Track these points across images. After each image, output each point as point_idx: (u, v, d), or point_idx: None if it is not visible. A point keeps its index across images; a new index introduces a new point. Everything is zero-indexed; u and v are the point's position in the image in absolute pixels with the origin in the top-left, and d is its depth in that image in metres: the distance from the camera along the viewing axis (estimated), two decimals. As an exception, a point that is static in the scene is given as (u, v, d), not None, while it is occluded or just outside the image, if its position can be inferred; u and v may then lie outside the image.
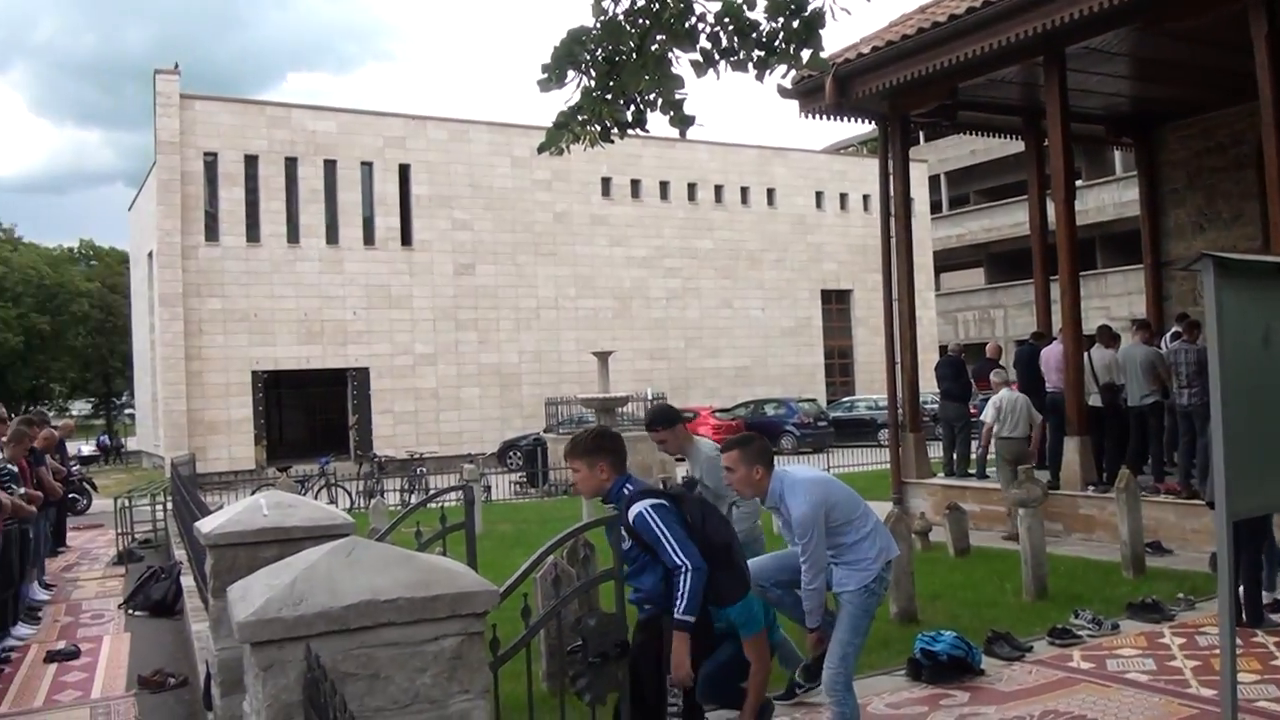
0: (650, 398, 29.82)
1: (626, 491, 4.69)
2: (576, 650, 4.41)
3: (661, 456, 23.01)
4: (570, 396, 30.64)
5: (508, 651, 3.74)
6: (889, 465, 15.97)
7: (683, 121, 5.06)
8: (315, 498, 17.28)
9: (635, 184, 39.74)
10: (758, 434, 5.58)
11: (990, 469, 14.21)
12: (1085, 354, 12.92)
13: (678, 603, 4.40)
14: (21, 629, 10.18)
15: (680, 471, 6.51)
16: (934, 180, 49.12)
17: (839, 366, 44.25)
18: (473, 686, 3.09)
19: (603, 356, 26.57)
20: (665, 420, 6.43)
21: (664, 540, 4.43)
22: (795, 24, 4.68)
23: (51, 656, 9.15)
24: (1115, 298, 39.40)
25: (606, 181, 38.97)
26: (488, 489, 20.74)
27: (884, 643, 7.63)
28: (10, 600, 9.95)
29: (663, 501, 4.58)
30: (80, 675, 8.63)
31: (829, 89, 14.23)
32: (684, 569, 4.40)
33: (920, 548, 11.34)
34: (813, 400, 37.67)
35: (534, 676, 4.49)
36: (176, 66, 33.45)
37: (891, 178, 15.49)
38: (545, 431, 29.54)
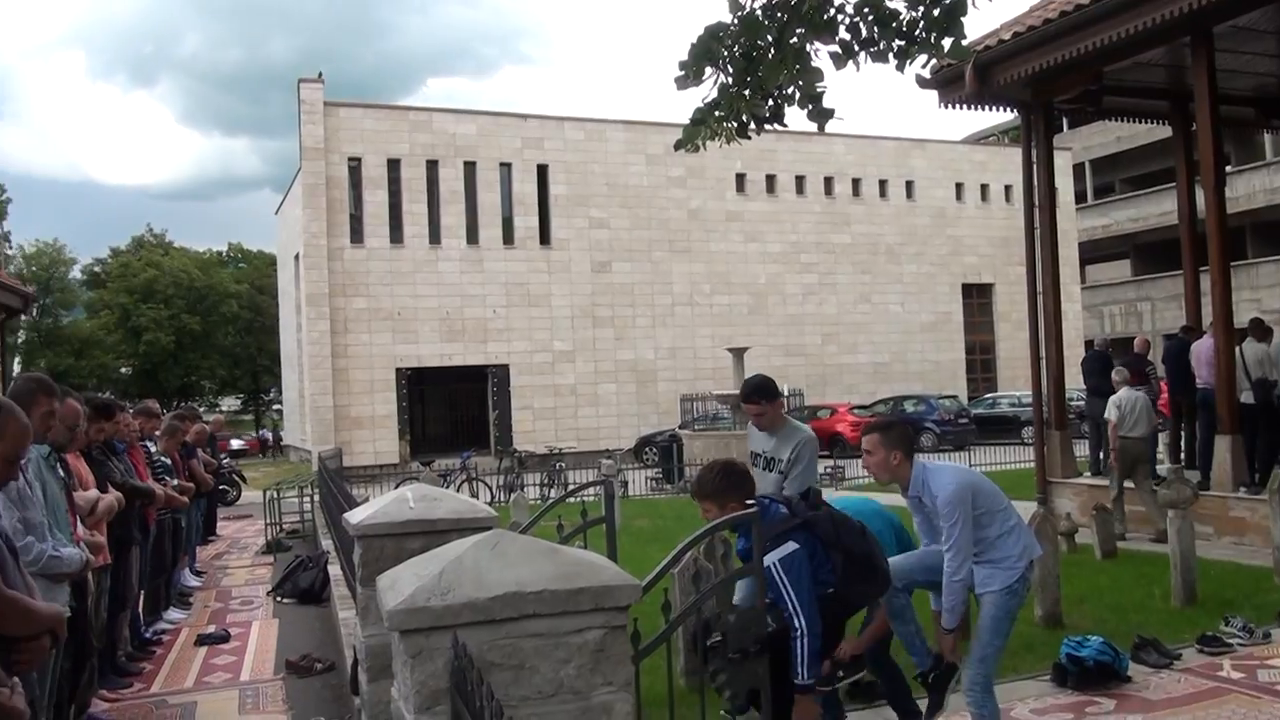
0: (786, 394, 29.64)
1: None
2: (716, 646, 4.40)
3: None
4: (706, 393, 30.65)
5: (649, 645, 3.75)
6: (1033, 464, 15.55)
7: (822, 115, 5.00)
8: (457, 491, 17.61)
9: (770, 179, 39.49)
10: (900, 420, 5.49)
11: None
12: (1237, 348, 12.38)
13: (797, 667, 4.38)
14: (173, 613, 10.64)
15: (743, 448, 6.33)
16: (1078, 169, 47.55)
17: (980, 362, 43.29)
18: (615, 679, 3.11)
19: (738, 353, 26.49)
20: (768, 393, 6.19)
21: (787, 599, 4.40)
22: (936, 12, 4.60)
23: (202, 640, 9.51)
24: (1267, 289, 37.76)
25: (741, 177, 38.85)
26: (624, 484, 20.85)
27: (1029, 646, 7.45)
28: (163, 585, 10.43)
29: (794, 550, 4.52)
30: (229, 658, 8.95)
31: (969, 78, 13.91)
32: (800, 633, 4.38)
33: (1066, 549, 11.02)
34: (953, 397, 36.93)
35: (673, 672, 4.50)
36: (320, 75, 34.58)
37: (1035, 167, 15.07)
38: (681, 428, 29.61)
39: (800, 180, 40.00)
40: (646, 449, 31.62)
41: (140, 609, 9.37)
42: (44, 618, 3.47)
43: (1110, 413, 12.80)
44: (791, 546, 4.49)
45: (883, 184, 41.45)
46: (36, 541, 4.65)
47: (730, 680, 4.41)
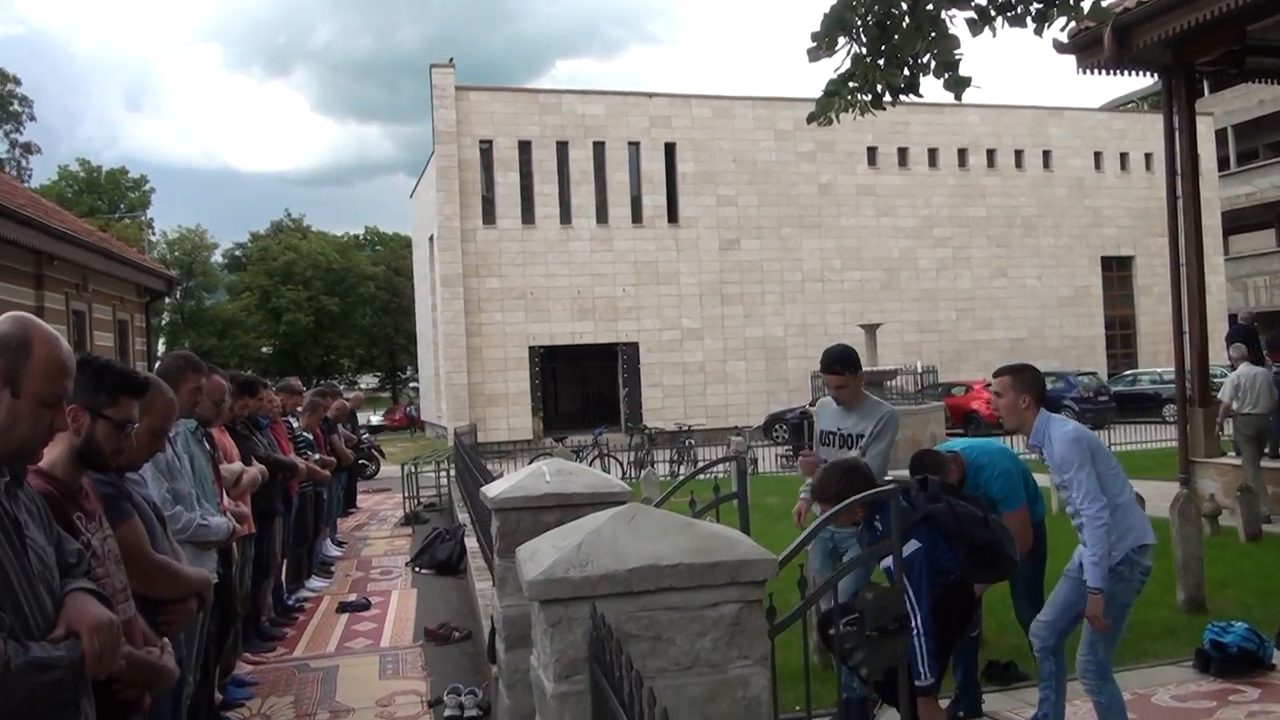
0: (919, 371, 29.18)
1: (877, 525, 4.61)
2: (853, 624, 4.37)
3: (933, 430, 22.51)
4: (837, 370, 30.30)
5: (785, 620, 3.74)
6: (1175, 443, 15.00)
7: (959, 84, 4.90)
8: (589, 466, 17.80)
9: (902, 152, 38.80)
10: (1033, 366, 5.36)
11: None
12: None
13: (918, 666, 4.35)
14: (315, 581, 11.02)
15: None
16: (1220, 134, 45.42)
17: (1120, 338, 41.94)
18: (752, 653, 3.10)
19: (870, 329, 26.16)
20: (851, 364, 5.94)
21: (906, 598, 4.35)
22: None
23: (343, 607, 9.83)
24: None
25: (872, 151, 38.25)
26: (754, 461, 20.80)
27: (1170, 631, 7.26)
28: (305, 555, 10.81)
29: (915, 549, 4.46)
30: (370, 625, 9.22)
31: (1108, 40, 13.39)
32: (918, 633, 4.34)
33: (1209, 531, 10.62)
34: (1092, 373, 35.79)
35: (807, 649, 4.48)
36: (451, 61, 35.11)
37: (1175, 133, 14.47)
38: (810, 405, 29.35)
39: (933, 152, 39.21)
40: (776, 426, 31.47)
41: (283, 577, 9.71)
42: (191, 582, 3.62)
43: (1225, 391, 12.42)
44: (913, 545, 4.44)
45: (1018, 154, 40.36)
46: (185, 511, 4.84)
47: (867, 658, 4.38)
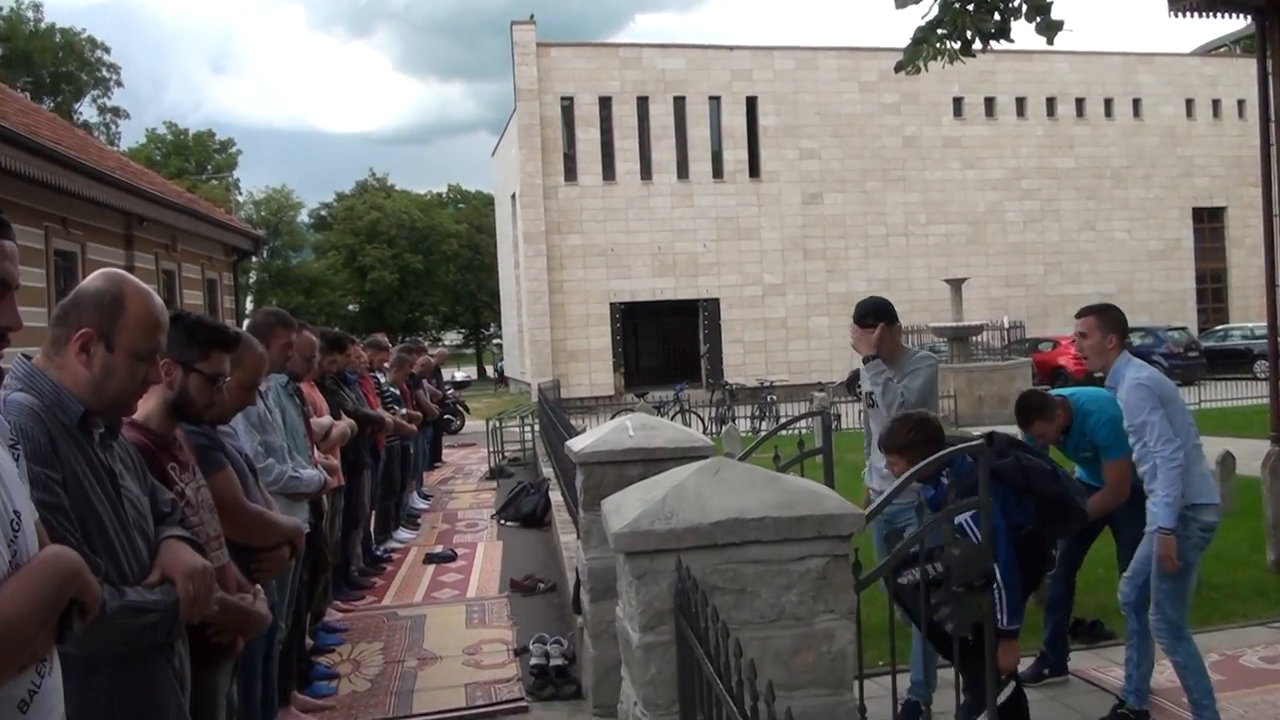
0: (1006, 326, 28.73)
1: (944, 480, 4.52)
2: (939, 580, 4.32)
3: (1019, 387, 22.16)
4: (921, 326, 29.96)
5: (871, 575, 3.71)
6: (1267, 400, 14.55)
7: (1050, 28, 4.77)
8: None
9: (989, 102, 37.98)
10: (1116, 307, 5.22)
11: None
12: None
13: (997, 614, 4.31)
14: (402, 533, 11.23)
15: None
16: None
17: (1211, 292, 40.80)
18: (838, 607, 3.09)
19: (955, 284, 25.77)
20: (885, 314, 5.59)
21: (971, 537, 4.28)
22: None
23: (430, 558, 10.00)
24: None
25: (958, 101, 37.50)
26: (836, 418, 20.64)
27: (1260, 591, 7.12)
28: (393, 507, 11.03)
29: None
30: (456, 576, 9.37)
31: (1200, -20, 12.92)
32: (997, 585, 4.30)
33: (1304, 491, 10.31)
34: (1182, 329, 34.84)
35: (892, 604, 4.45)
36: (531, 18, 35.06)
37: (1269, 78, 13.92)
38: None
39: (1021, 102, 38.33)
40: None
41: (372, 529, 9.90)
42: (283, 530, 3.69)
43: None
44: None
45: (1108, 103, 39.28)
46: (277, 463, 4.93)
47: (954, 613, 4.33)
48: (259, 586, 3.18)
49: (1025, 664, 5.80)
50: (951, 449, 4.43)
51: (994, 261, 37.56)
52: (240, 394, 3.76)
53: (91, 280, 2.52)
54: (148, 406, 2.96)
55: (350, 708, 5.88)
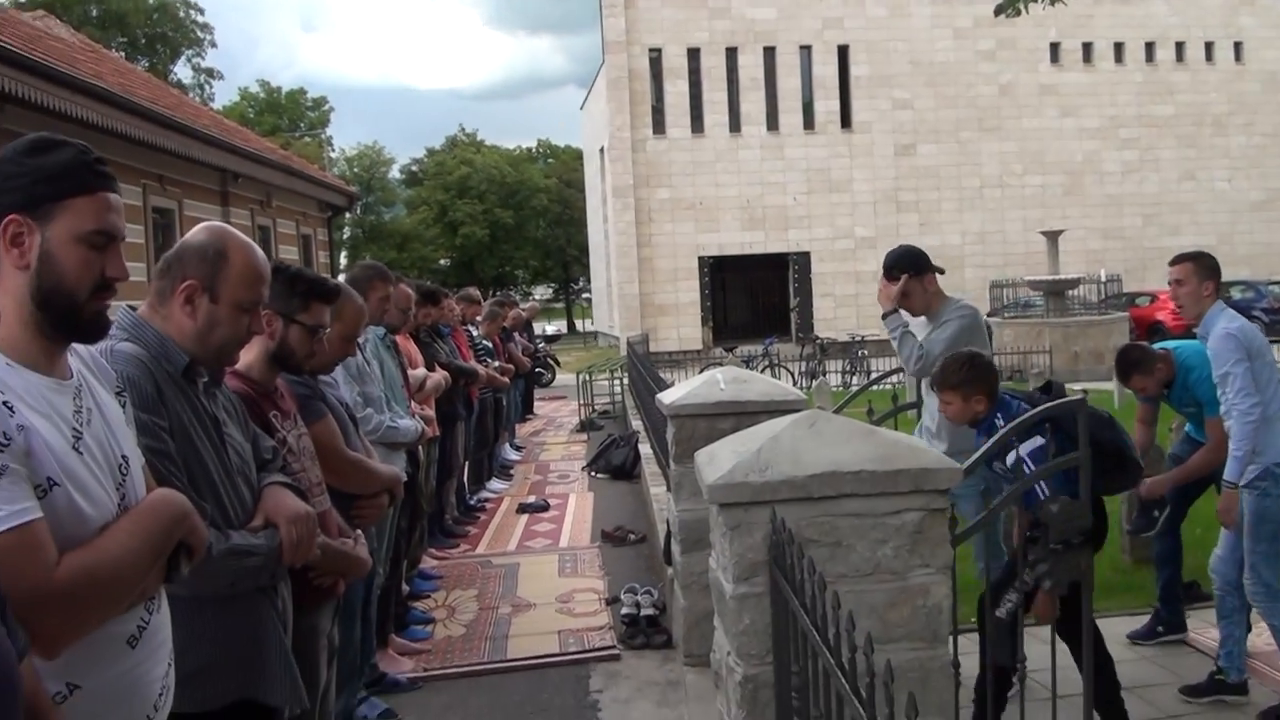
0: (1103, 280, 28.06)
1: (998, 423, 4.40)
2: (1036, 536, 4.25)
3: (1116, 342, 21.69)
4: (1016, 279, 29.41)
5: (968, 529, 3.66)
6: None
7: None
8: (759, 378, 17.81)
9: (1087, 47, 36.85)
10: (1210, 254, 5.05)
11: None
12: None
13: None
14: (495, 483, 11.41)
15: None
16: None
17: (1317, 244, 39.38)
18: (934, 561, 3.05)
19: (1051, 236, 25.20)
20: (912, 264, 5.12)
21: (1040, 492, 4.17)
22: None
23: (523, 508, 10.14)
24: None
25: (1055, 47, 36.46)
26: (927, 373, 20.41)
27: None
28: (486, 458, 11.22)
29: (1042, 443, 4.25)
30: (549, 526, 9.49)
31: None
32: None
33: None
34: (1285, 282, 33.81)
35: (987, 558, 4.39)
36: (620, -31, 34.81)
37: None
38: (989, 316, 28.58)
39: (1119, 47, 37.15)
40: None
41: (465, 479, 10.04)
42: (383, 478, 3.76)
43: None
44: (1039, 440, 4.26)
45: (1208, 47, 37.82)
46: (375, 413, 5.02)
47: (1051, 571, 4.26)
48: (359, 532, 3.25)
49: (1139, 622, 5.71)
50: (1054, 403, 4.33)
51: (1090, 213, 36.61)
52: (341, 345, 3.82)
53: (195, 233, 2.57)
54: (250, 356, 3.02)
55: (446, 652, 5.99)
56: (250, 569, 2.39)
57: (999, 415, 4.44)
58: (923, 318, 5.25)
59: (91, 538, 1.78)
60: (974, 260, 35.50)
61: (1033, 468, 4.18)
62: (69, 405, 1.86)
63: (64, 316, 1.86)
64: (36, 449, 1.72)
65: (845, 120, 35.51)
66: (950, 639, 3.16)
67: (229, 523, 2.39)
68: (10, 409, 1.71)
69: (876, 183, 35.40)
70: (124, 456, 1.94)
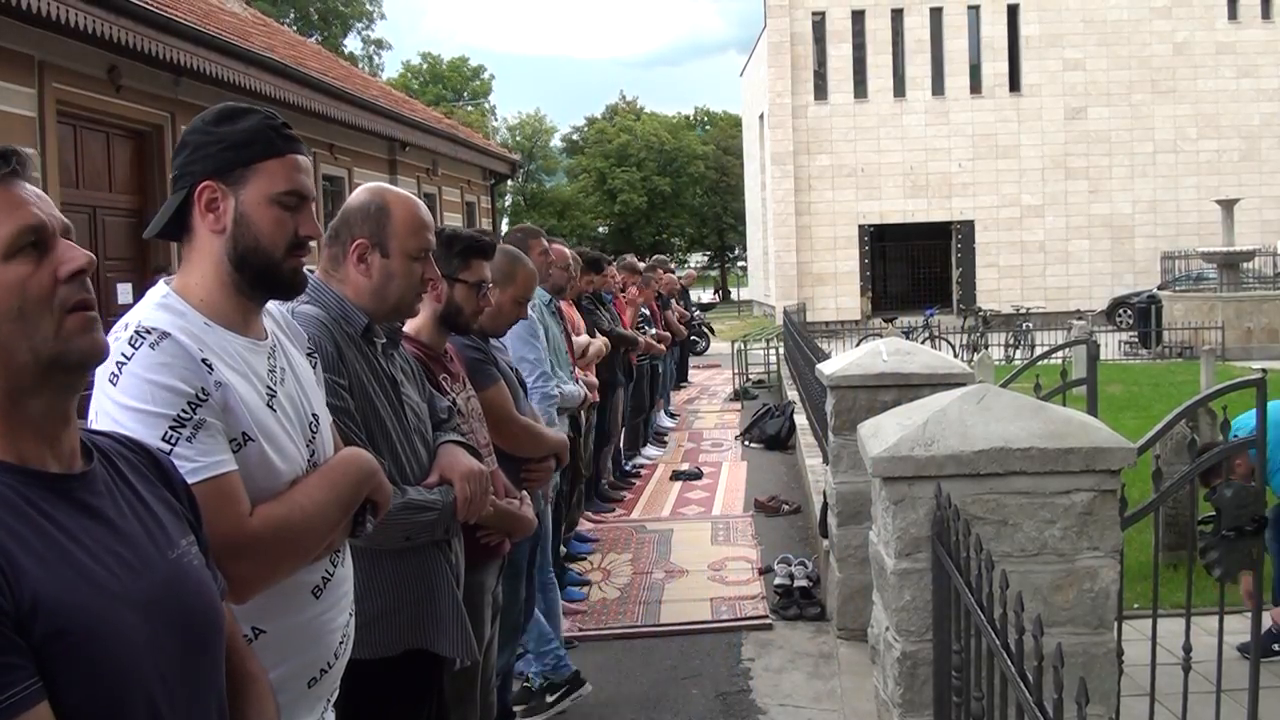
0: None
1: None
2: (1208, 521, 4.11)
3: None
4: (1189, 250, 28.13)
5: (1138, 512, 3.55)
6: None
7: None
8: (918, 349, 17.53)
9: (1265, 2, 34.59)
10: None
11: None
12: None
13: None
14: (650, 450, 11.54)
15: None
16: None
17: None
18: (1103, 544, 2.98)
19: (1227, 205, 24.02)
20: None
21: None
22: None
23: (677, 475, 10.24)
24: None
25: (1233, 2, 34.31)
26: (1096, 347, 19.76)
27: None
28: (641, 424, 11.34)
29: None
30: (702, 494, 9.55)
31: None
32: None
33: None
34: None
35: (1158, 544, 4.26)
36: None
37: None
38: (1160, 288, 27.45)
39: (1305, 1, 34.92)
40: (1120, 311, 29.65)
41: (621, 444, 10.16)
42: (551, 442, 3.85)
43: None
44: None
45: None
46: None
47: (1222, 558, 4.12)
48: (525, 493, 3.33)
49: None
50: (1233, 382, 4.15)
51: (1269, 180, 34.51)
52: (513, 309, 3.89)
53: (355, 196, 2.66)
54: (418, 320, 3.11)
55: (600, 613, 6.11)
56: (425, 524, 2.48)
57: None
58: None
59: (283, 491, 1.88)
60: (1144, 230, 34.06)
61: None
62: (264, 364, 1.95)
63: (261, 275, 1.95)
64: (233, 405, 1.82)
65: (1014, 83, 34.34)
66: (1115, 625, 3.08)
67: (405, 479, 2.49)
68: (210, 367, 1.81)
69: (1045, 148, 34.18)
70: (314, 415, 2.04)
